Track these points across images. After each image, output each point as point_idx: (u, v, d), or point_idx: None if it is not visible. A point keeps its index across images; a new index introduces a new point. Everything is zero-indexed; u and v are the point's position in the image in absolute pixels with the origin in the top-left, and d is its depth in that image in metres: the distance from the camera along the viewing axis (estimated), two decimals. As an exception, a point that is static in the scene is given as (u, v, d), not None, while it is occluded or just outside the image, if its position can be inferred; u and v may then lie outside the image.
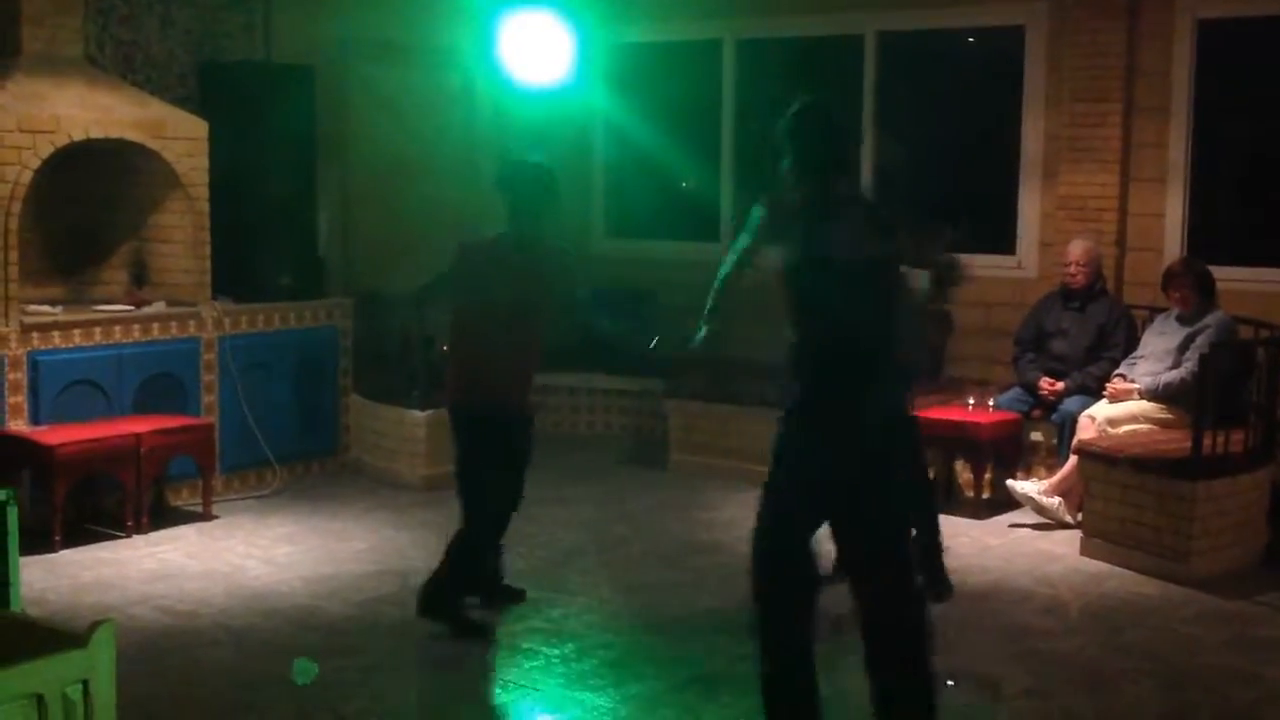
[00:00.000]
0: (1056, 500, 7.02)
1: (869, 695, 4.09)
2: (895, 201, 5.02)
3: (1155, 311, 7.49)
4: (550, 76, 8.89)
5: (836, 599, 4.34)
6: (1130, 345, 7.42)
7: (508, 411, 5.38)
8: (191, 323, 7.40)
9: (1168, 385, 6.91)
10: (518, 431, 5.46)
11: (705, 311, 4.90)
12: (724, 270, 4.86)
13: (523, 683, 4.96)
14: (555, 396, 9.08)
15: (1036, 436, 7.58)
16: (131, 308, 7.26)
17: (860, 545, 4.15)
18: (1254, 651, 5.35)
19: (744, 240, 4.74)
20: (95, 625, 2.87)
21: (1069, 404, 7.28)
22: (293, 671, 4.75)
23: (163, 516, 7.03)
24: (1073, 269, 7.56)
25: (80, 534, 6.65)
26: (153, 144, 7.18)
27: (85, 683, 2.83)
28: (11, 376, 6.63)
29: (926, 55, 9.05)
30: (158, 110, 7.30)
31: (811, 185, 4.21)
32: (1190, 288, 7.02)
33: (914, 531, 5.24)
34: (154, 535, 6.76)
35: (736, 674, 4.78)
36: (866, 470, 4.07)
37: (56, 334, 6.83)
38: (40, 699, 2.76)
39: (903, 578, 4.17)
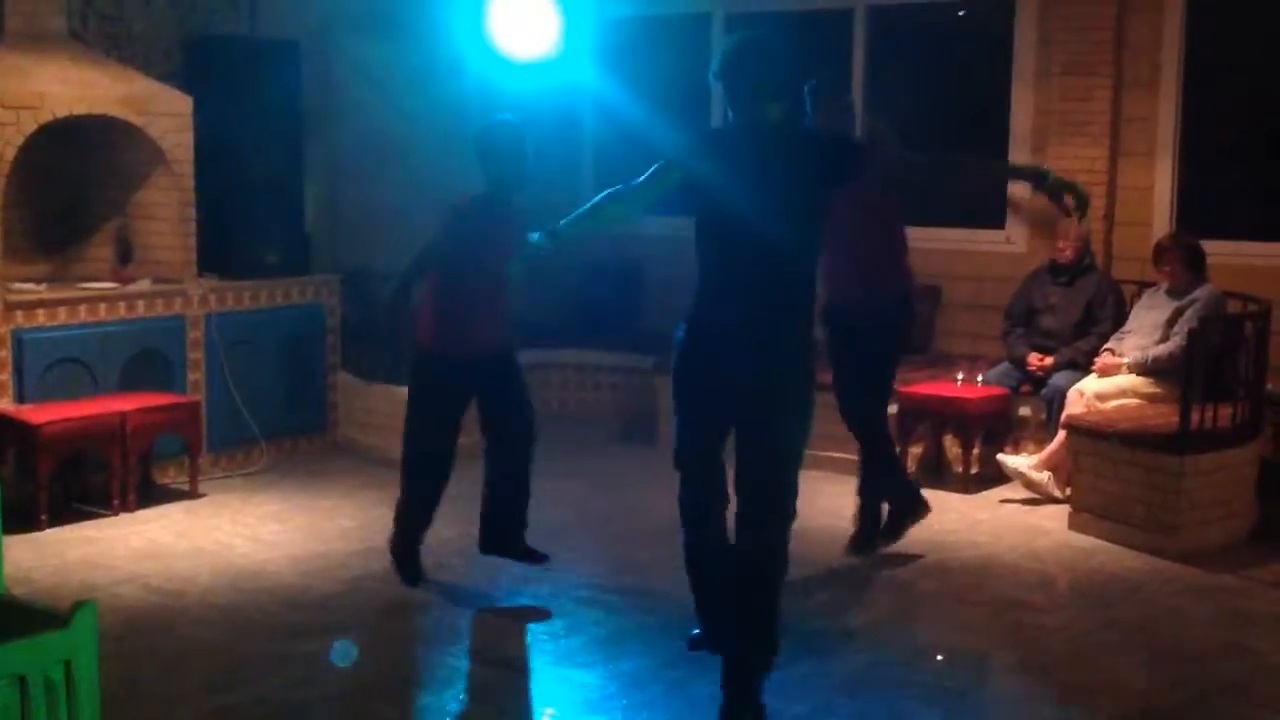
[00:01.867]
0: (1045, 475, 7.02)
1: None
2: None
3: (1144, 286, 7.48)
4: (538, 51, 8.83)
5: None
6: (1119, 320, 7.41)
7: (502, 351, 5.56)
8: (177, 300, 7.37)
9: (1156, 359, 6.90)
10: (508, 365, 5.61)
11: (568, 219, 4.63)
12: (611, 194, 4.64)
13: (512, 659, 4.95)
14: (546, 373, 9.05)
15: (1025, 411, 7.58)
16: (117, 285, 7.22)
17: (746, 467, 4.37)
18: (1242, 625, 5.36)
19: (650, 177, 4.66)
20: (77, 606, 2.85)
21: (1057, 379, 7.28)
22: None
23: (149, 495, 7.00)
24: (1061, 243, 7.55)
25: (66, 512, 6.63)
26: (137, 120, 7.13)
27: (67, 663, 2.81)
28: (-4, 355, 6.61)
29: (916, 29, 9.02)
30: (142, 86, 7.25)
31: (741, 113, 4.31)
32: (1180, 262, 7.02)
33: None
34: (140, 514, 6.74)
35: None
36: (760, 399, 4.28)
37: (41, 312, 6.79)
38: (22, 680, 2.74)
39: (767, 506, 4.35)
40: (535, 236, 4.48)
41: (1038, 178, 4.78)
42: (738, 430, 4.39)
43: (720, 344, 4.31)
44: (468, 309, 5.43)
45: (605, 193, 4.55)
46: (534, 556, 5.64)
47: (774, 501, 4.33)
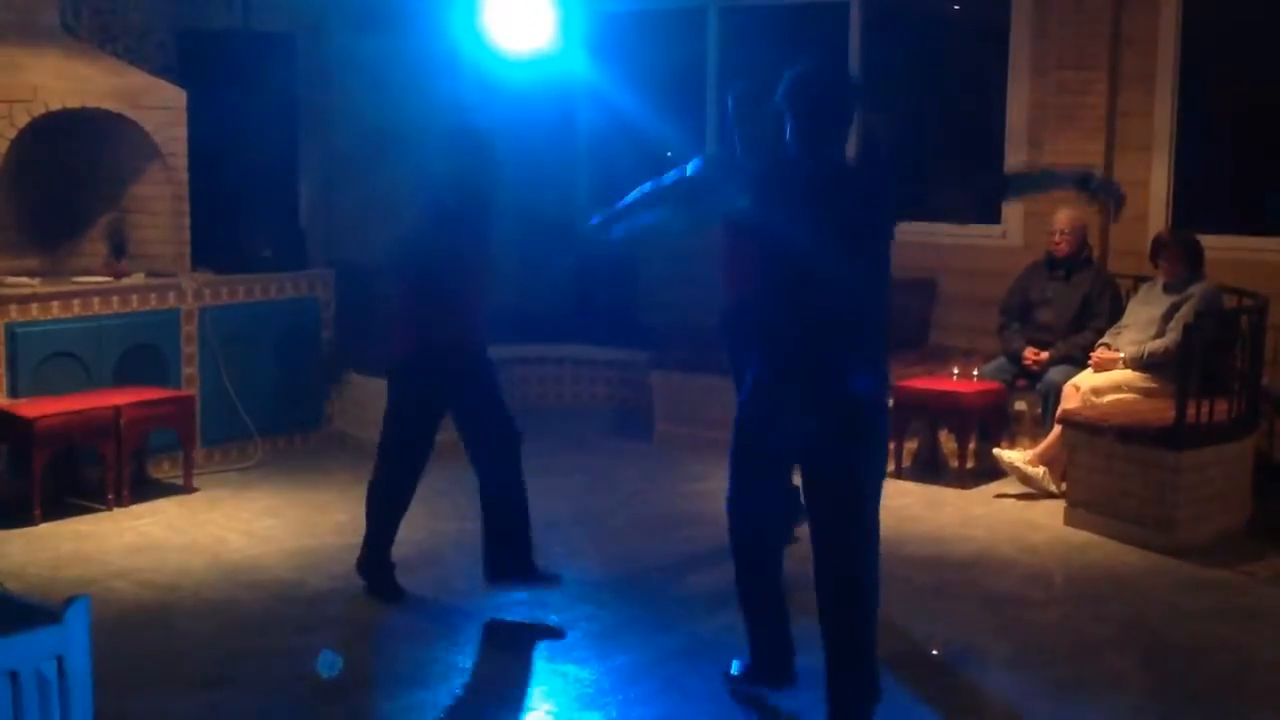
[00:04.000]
0: (1041, 470, 7.02)
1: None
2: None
3: (1140, 280, 7.47)
4: (534, 45, 8.81)
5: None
6: (1115, 315, 7.40)
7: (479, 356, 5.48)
8: (171, 294, 7.35)
9: (1152, 354, 6.90)
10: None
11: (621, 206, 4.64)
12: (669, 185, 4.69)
13: (506, 655, 4.95)
14: (540, 367, 9.05)
15: (1021, 406, 7.57)
16: (110, 279, 7.20)
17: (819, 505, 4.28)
18: (1237, 620, 5.36)
19: (704, 177, 4.60)
20: (70, 600, 2.84)
21: (1053, 373, 7.27)
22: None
23: (143, 489, 6.99)
24: (1057, 237, 7.55)
25: (60, 507, 6.61)
26: (131, 114, 7.11)
27: (60, 658, 2.80)
28: (-11, 349, 6.59)
29: (912, 22, 9.00)
30: (135, 79, 7.22)
31: (809, 154, 4.19)
32: (1178, 258, 7.00)
33: None
34: (134, 508, 6.72)
35: (721, 646, 4.78)
36: (831, 439, 4.15)
37: (35, 306, 6.77)
38: (14, 675, 2.73)
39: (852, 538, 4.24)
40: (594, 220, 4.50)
41: (1083, 181, 4.58)
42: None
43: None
44: (445, 312, 5.35)
45: (656, 191, 4.55)
46: (544, 580, 5.48)
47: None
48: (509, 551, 5.43)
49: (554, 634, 5.13)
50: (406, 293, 5.45)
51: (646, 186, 4.62)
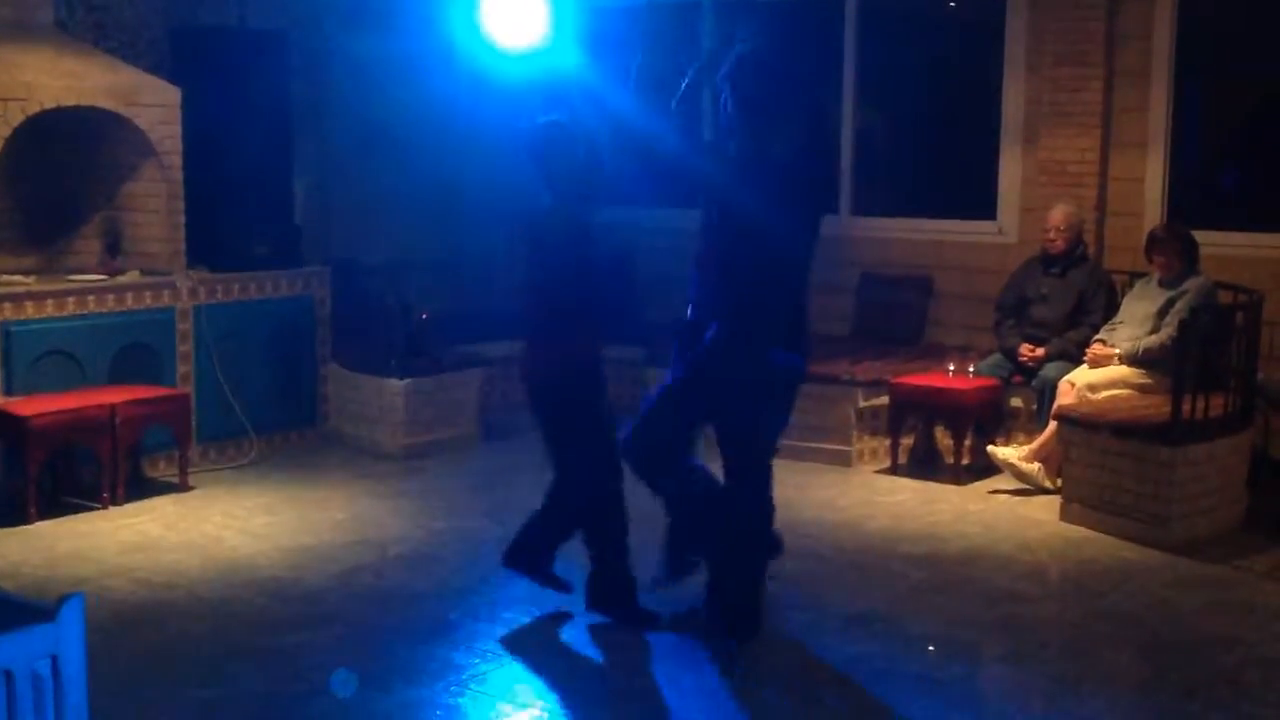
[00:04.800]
0: (1036, 466, 7.02)
1: None
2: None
3: (1136, 276, 7.47)
4: (528, 41, 8.80)
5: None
6: (1110, 311, 7.41)
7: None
8: (166, 292, 7.34)
9: (1148, 350, 6.90)
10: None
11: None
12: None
13: (502, 653, 4.94)
14: (535, 365, 9.03)
15: (1017, 403, 7.58)
16: (105, 277, 7.19)
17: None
18: (1233, 615, 5.36)
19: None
20: (64, 599, 2.83)
21: (1048, 370, 7.28)
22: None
23: (139, 487, 6.98)
24: (1052, 234, 7.55)
25: (55, 506, 6.60)
26: (125, 111, 7.09)
27: (54, 657, 2.79)
28: (-16, 347, 6.57)
29: (907, 18, 9.00)
30: (130, 77, 7.21)
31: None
32: (1174, 253, 7.01)
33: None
34: (130, 506, 6.71)
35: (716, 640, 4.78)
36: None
37: (29, 304, 6.76)
38: (9, 674, 2.72)
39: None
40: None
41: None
42: None
43: None
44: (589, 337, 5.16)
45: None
46: (558, 584, 5.33)
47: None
48: (538, 550, 5.29)
49: (550, 630, 5.12)
50: (551, 312, 5.23)
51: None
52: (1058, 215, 7.56)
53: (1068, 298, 7.48)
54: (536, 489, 5.64)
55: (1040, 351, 7.39)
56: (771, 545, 5.16)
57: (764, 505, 4.91)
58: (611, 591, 5.21)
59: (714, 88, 4.42)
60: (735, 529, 4.84)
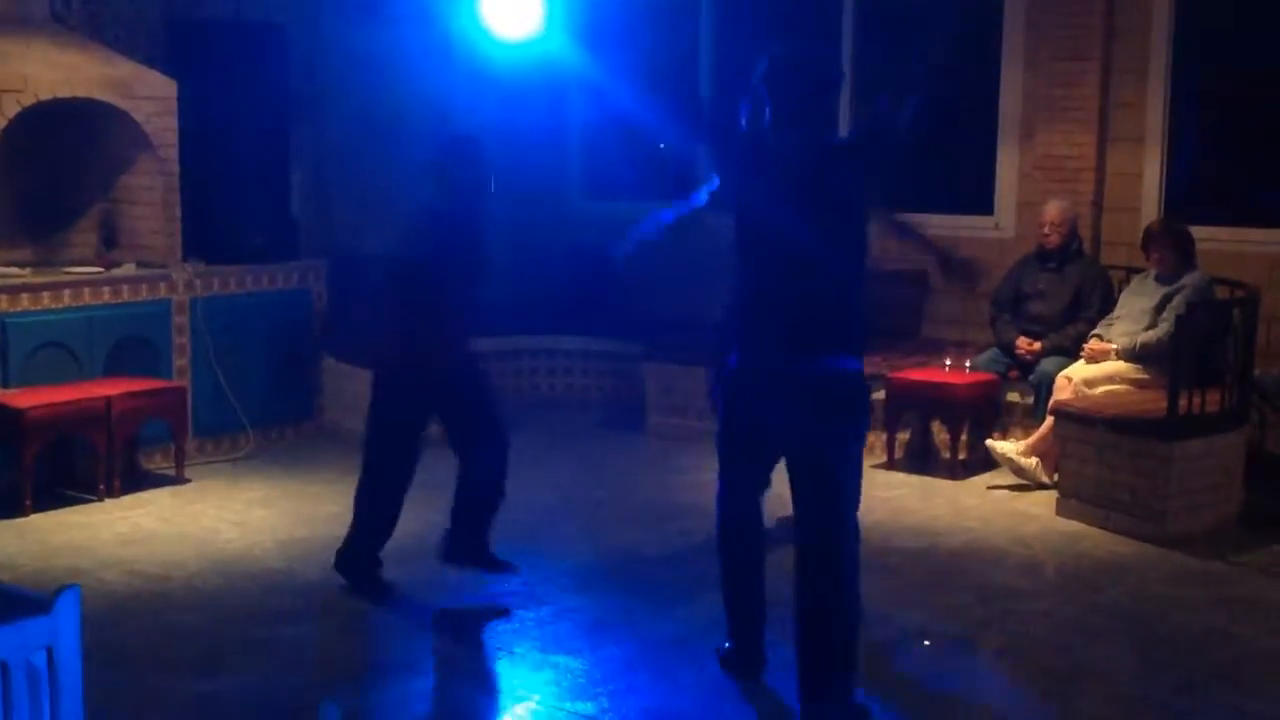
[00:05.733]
0: (1033, 461, 7.02)
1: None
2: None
3: (1132, 272, 7.48)
4: (525, 30, 8.78)
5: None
6: (1106, 306, 7.41)
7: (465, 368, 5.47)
8: (162, 285, 7.33)
9: (1144, 345, 6.90)
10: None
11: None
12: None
13: (498, 645, 4.94)
14: (532, 359, 9.04)
15: (1013, 397, 7.57)
16: (101, 270, 7.18)
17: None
18: (1229, 611, 5.36)
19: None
20: (60, 590, 2.82)
21: (1045, 364, 7.28)
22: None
23: (134, 480, 6.97)
24: (1047, 229, 7.55)
25: (51, 498, 6.59)
26: (121, 104, 7.08)
27: (50, 649, 2.79)
28: (-20, 339, 6.56)
29: (905, 12, 8.99)
30: (126, 69, 7.20)
31: (785, 131, 4.25)
32: (1169, 248, 7.01)
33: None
34: (125, 499, 6.71)
35: (712, 635, 4.77)
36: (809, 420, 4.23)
37: (25, 296, 6.75)
38: (4, 666, 2.72)
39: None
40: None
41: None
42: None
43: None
44: (434, 317, 5.32)
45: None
46: (500, 566, 5.49)
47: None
48: (471, 539, 5.45)
49: (546, 624, 5.13)
50: (396, 296, 5.44)
51: (666, 217, 4.73)
52: (1053, 210, 7.56)
53: (1064, 293, 7.48)
54: (531, 482, 5.66)
55: (1037, 346, 7.40)
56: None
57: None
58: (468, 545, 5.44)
59: (752, 92, 4.33)
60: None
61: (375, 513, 5.52)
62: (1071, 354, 7.25)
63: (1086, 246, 7.77)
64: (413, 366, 5.34)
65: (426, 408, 5.44)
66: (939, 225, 8.61)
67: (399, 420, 5.43)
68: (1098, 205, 8.04)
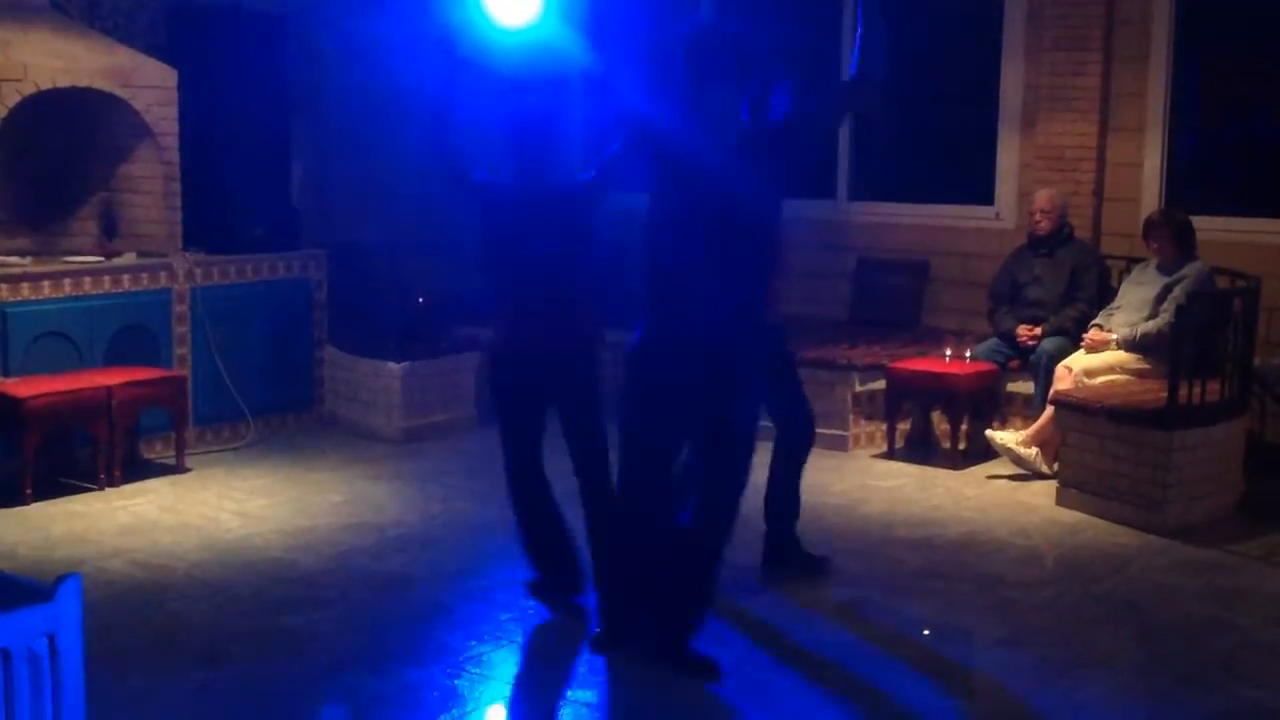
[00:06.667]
0: (1034, 450, 7.02)
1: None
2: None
3: (1133, 261, 7.48)
4: (525, 17, 8.75)
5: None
6: (1102, 288, 7.45)
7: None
8: (163, 274, 7.32)
9: (1145, 335, 6.90)
10: None
11: None
12: None
13: (499, 634, 4.95)
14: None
15: (1013, 387, 7.58)
16: (102, 259, 7.18)
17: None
18: (1229, 600, 5.37)
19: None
20: (61, 578, 2.83)
21: (1045, 344, 7.32)
22: None
23: (135, 469, 6.97)
24: (1038, 216, 7.62)
25: (52, 487, 6.59)
26: (121, 93, 7.07)
27: (51, 637, 2.79)
28: (-20, 328, 6.56)
29: (906, 1, 8.97)
30: (126, 58, 7.19)
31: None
32: (1169, 238, 7.01)
33: None
34: (126, 488, 6.71)
35: (709, 629, 4.78)
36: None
37: (25, 285, 6.75)
38: (6, 654, 2.72)
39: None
40: None
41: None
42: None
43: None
44: (523, 303, 5.07)
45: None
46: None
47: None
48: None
49: (548, 612, 5.13)
50: (498, 288, 5.19)
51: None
52: (1043, 198, 7.63)
53: (1060, 276, 7.51)
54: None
55: (1038, 330, 7.42)
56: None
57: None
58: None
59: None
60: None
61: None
62: (1071, 334, 7.27)
63: (1088, 236, 7.78)
64: (515, 348, 5.09)
65: (534, 399, 5.11)
66: (939, 215, 8.63)
67: (508, 411, 5.13)
68: (1098, 195, 8.03)
